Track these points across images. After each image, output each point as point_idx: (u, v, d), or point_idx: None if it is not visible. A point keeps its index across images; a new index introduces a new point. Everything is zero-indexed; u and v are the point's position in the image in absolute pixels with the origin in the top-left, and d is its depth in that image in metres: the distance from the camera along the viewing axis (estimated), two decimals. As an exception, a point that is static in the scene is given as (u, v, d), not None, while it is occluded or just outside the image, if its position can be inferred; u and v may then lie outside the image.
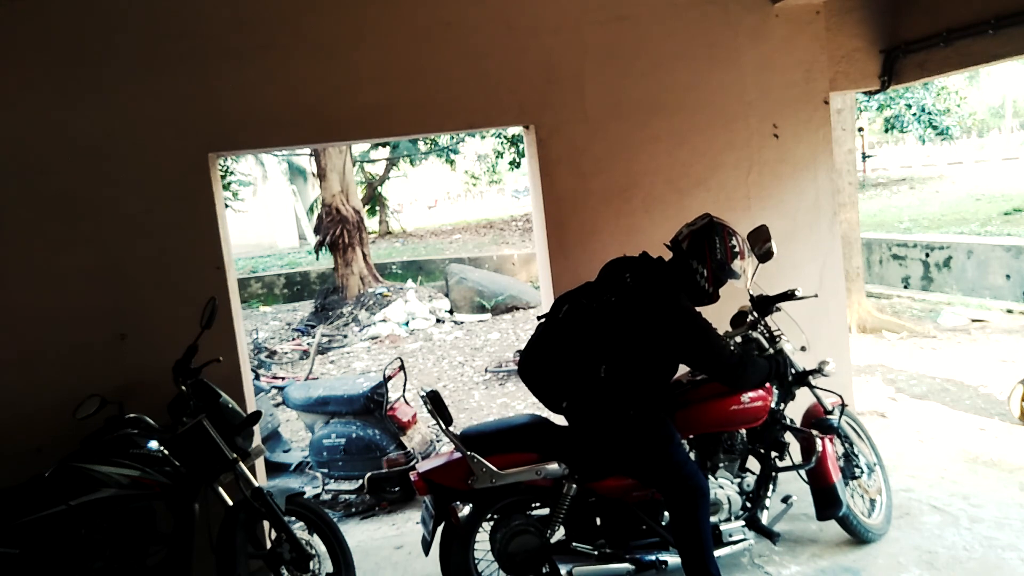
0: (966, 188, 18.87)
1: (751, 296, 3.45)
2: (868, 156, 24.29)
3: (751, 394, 3.18)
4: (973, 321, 8.46)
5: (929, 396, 5.95)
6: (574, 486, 3.01)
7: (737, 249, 3.08)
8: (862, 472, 3.57)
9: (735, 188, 4.27)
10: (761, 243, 3.33)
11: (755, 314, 3.42)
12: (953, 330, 8.18)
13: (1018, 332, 7.82)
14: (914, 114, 17.95)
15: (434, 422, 3.00)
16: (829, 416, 3.42)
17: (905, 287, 11.26)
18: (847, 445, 3.57)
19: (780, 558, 3.44)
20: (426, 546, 3.04)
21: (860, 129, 19.74)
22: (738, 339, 3.37)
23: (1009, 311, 8.86)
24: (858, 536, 3.46)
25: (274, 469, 5.44)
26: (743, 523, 3.24)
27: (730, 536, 3.19)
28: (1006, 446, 4.66)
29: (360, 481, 5.03)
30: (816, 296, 3.61)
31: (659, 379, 3.03)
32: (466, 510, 2.93)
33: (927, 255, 11.04)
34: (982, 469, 4.31)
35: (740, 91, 4.24)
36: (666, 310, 2.90)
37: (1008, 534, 3.47)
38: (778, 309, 3.44)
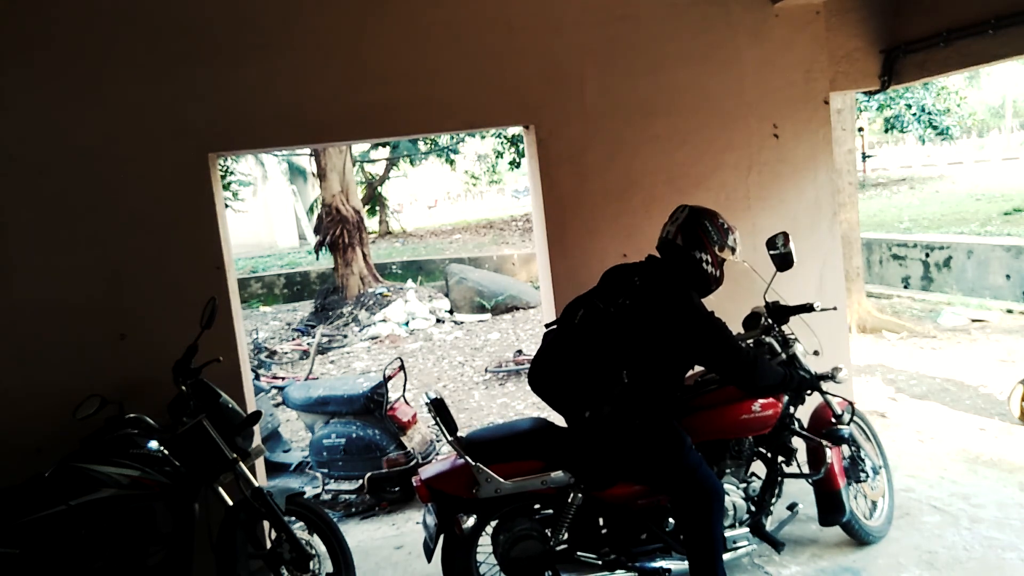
0: (966, 188, 18.89)
1: (767, 303, 3.44)
2: (868, 156, 24.30)
3: (762, 402, 3.14)
4: (973, 321, 8.46)
5: (929, 396, 5.95)
6: (579, 495, 2.97)
7: (726, 225, 3.09)
8: (867, 476, 3.56)
9: (735, 188, 4.27)
10: (783, 242, 3.35)
11: (770, 320, 3.41)
12: (953, 330, 8.18)
13: (1018, 332, 7.83)
14: (914, 114, 17.95)
15: (434, 423, 2.98)
16: (839, 424, 3.38)
17: (905, 287, 11.26)
18: (854, 449, 3.56)
19: (780, 558, 3.43)
20: (428, 552, 3.00)
21: (860, 129, 19.75)
22: (750, 342, 3.35)
23: (1009, 311, 8.86)
24: (859, 538, 3.46)
25: (274, 469, 5.44)
26: (747, 529, 3.20)
27: (734, 543, 3.15)
28: (1006, 446, 4.66)
29: (360, 481, 5.03)
30: (835, 309, 3.60)
31: (676, 380, 3.00)
32: (470, 522, 2.89)
33: (927, 255, 11.04)
34: (982, 469, 4.31)
35: (740, 91, 4.24)
36: (679, 309, 2.87)
37: (1008, 534, 3.47)
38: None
